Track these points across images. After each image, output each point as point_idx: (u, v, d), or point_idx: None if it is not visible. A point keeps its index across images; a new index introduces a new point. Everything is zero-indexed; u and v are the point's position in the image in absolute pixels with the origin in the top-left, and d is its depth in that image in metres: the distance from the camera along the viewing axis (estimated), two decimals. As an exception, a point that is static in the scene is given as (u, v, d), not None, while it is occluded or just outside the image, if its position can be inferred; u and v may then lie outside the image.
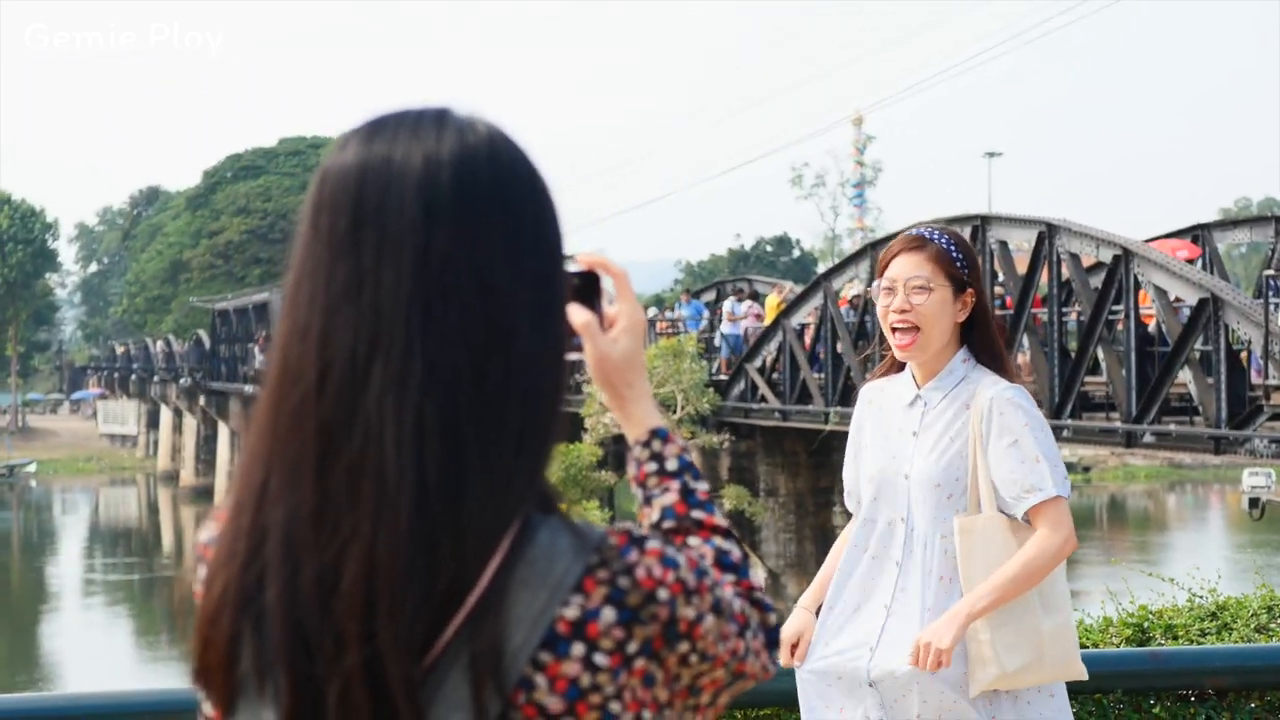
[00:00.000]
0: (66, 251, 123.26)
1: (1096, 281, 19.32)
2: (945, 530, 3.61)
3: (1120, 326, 18.82)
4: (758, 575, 1.65)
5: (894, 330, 3.65)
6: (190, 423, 65.21)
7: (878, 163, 76.57)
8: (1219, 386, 17.00)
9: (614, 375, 1.68)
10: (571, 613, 1.36)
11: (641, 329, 1.70)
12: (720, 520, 1.64)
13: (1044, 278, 20.36)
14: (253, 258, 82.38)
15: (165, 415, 70.74)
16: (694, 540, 1.56)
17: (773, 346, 27.02)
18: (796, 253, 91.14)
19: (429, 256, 1.40)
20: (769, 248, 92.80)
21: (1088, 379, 19.97)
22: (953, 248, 3.65)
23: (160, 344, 74.00)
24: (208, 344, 64.12)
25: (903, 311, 3.61)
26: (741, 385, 27.55)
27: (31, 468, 73.17)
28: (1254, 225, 22.18)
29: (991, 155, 74.21)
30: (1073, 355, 19.88)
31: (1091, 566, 37.82)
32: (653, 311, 37.09)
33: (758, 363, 27.34)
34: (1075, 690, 4.22)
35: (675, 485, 1.64)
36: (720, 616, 1.45)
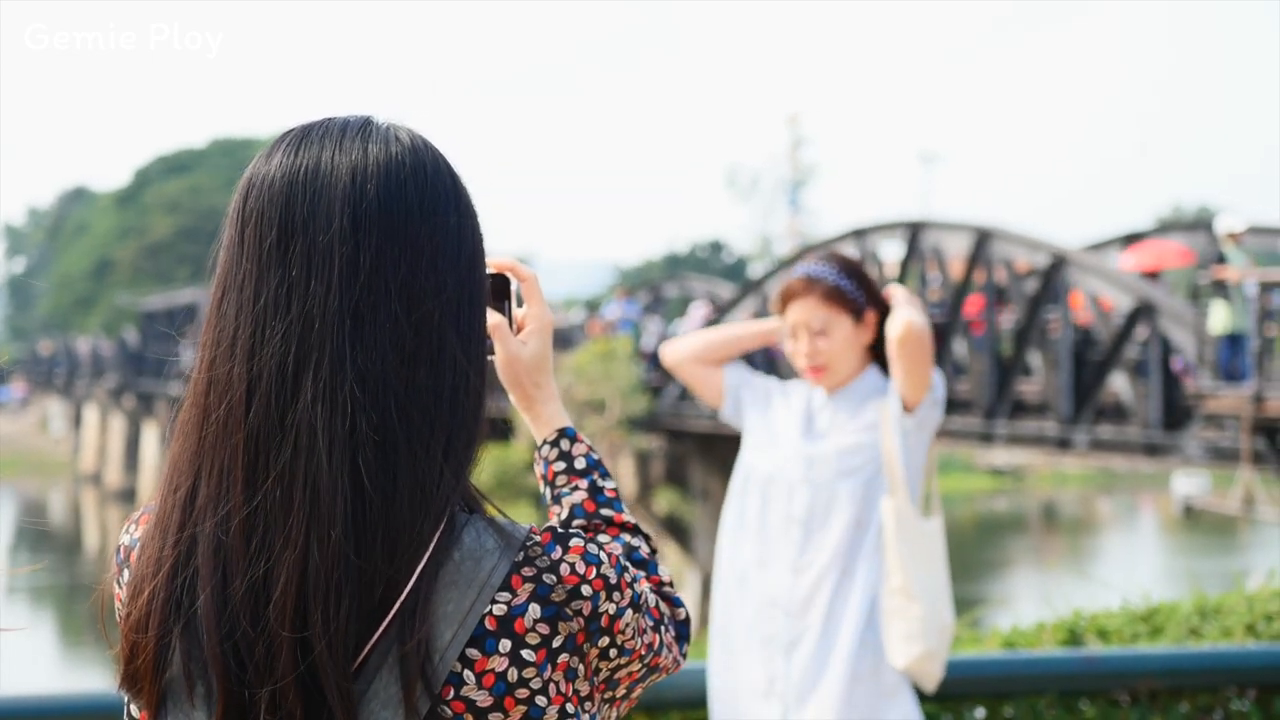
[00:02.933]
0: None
1: (1034, 287, 19.42)
2: (853, 509, 3.71)
3: (1055, 331, 18.93)
4: (665, 570, 1.67)
5: (805, 370, 3.81)
6: (116, 423, 64.57)
7: (814, 165, 76.73)
8: (1153, 391, 17.10)
9: (524, 376, 1.74)
10: (499, 610, 1.40)
11: (550, 331, 1.75)
12: (628, 517, 1.69)
13: (979, 282, 20.47)
14: (181, 256, 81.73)
15: (90, 415, 69.99)
16: (603, 537, 1.56)
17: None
18: (731, 257, 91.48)
19: (358, 267, 1.43)
20: (703, 252, 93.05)
21: (1022, 383, 20.07)
22: (843, 280, 3.77)
23: (86, 343, 73.19)
24: (134, 344, 63.52)
25: (810, 355, 3.77)
26: (675, 389, 27.52)
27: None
28: (1188, 232, 22.35)
29: (928, 159, 74.69)
30: (1007, 360, 19.98)
31: (1024, 570, 38.10)
32: (585, 314, 37.04)
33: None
34: (1007, 692, 4.18)
35: (584, 483, 1.70)
36: (638, 611, 1.49)
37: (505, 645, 1.40)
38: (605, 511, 1.68)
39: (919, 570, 3.66)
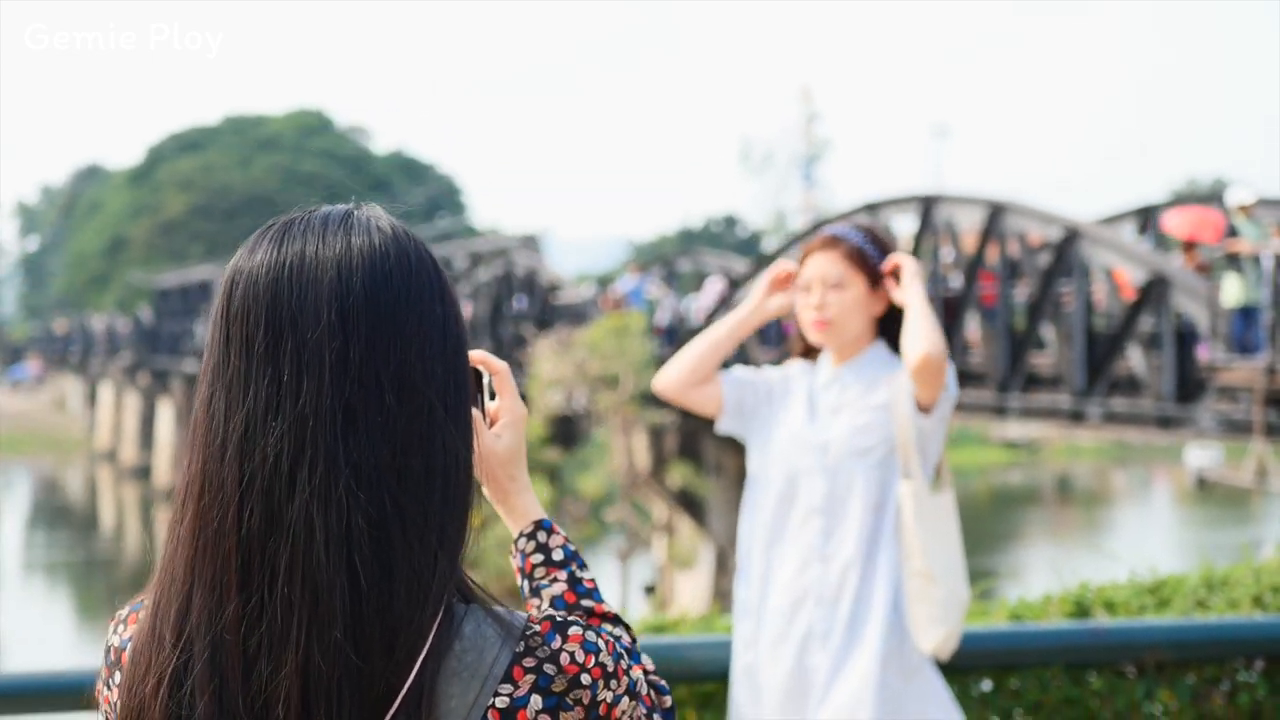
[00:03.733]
0: (6, 228, 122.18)
1: (1047, 261, 19.38)
2: (870, 493, 3.73)
3: (1068, 305, 18.89)
4: (648, 660, 1.65)
5: (811, 323, 3.79)
6: (131, 401, 64.68)
7: (827, 139, 76.54)
8: (1166, 364, 17.07)
9: (498, 469, 1.72)
10: (501, 702, 1.41)
11: (523, 424, 1.74)
12: (608, 608, 1.69)
13: (993, 256, 20.43)
14: (194, 234, 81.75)
15: (105, 393, 70.13)
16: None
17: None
18: (745, 232, 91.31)
19: (348, 362, 1.43)
20: (717, 227, 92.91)
21: (1035, 357, 20.05)
22: (868, 245, 3.78)
23: (101, 321, 73.29)
24: (149, 321, 63.59)
25: (819, 308, 3.76)
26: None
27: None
28: (1203, 205, 22.27)
29: (941, 133, 74.40)
30: (1020, 333, 19.95)
31: (1038, 543, 38.09)
32: (597, 289, 37.02)
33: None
34: (1014, 664, 4.20)
35: (563, 575, 1.69)
36: (634, 699, 1.50)
37: None
38: (585, 603, 1.67)
39: (938, 551, 3.68)
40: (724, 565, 26.20)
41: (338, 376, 1.42)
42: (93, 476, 64.95)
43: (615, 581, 26.93)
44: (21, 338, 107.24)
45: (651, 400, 26.68)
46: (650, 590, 28.45)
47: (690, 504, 26.77)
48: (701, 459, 27.50)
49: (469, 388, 1.53)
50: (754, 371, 3.99)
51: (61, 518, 52.51)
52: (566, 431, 30.74)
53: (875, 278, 3.77)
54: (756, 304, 3.92)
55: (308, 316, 1.44)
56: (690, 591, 26.40)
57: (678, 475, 26.28)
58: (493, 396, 1.74)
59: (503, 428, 1.72)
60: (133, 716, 1.45)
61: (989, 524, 42.85)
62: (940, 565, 3.67)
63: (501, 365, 1.73)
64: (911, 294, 3.71)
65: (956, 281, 21.07)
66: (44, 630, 31.59)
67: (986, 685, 4.22)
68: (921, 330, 3.63)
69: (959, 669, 4.12)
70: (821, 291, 3.76)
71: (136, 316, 66.68)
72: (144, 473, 60.33)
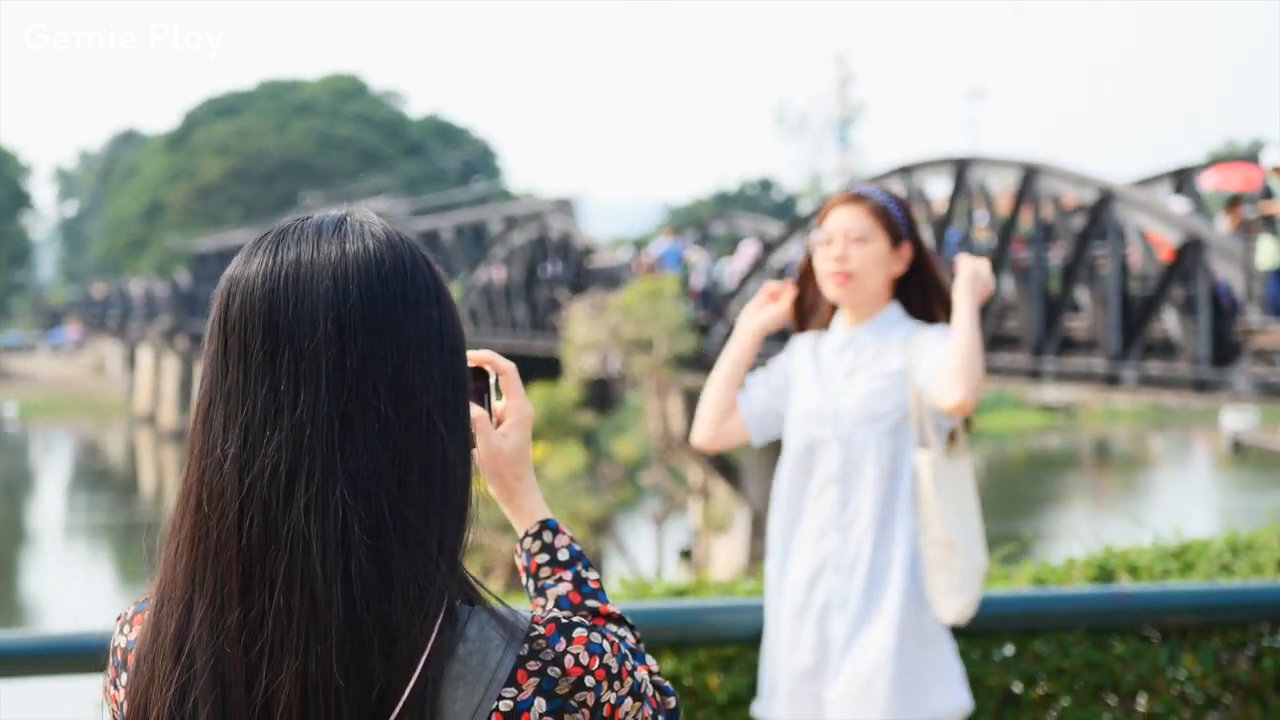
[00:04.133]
0: (44, 193, 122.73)
1: (1081, 223, 19.28)
2: (884, 461, 3.73)
3: (1103, 268, 18.80)
4: (653, 660, 1.66)
5: (831, 275, 3.77)
6: (170, 364, 65.02)
7: (862, 102, 76.18)
8: (1201, 327, 16.99)
9: (505, 469, 1.73)
10: (505, 705, 1.41)
11: (529, 424, 1.75)
12: (613, 608, 1.69)
13: (1027, 219, 20.34)
14: (231, 198, 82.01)
15: (144, 357, 70.51)
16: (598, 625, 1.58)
17: (754, 287, 26.95)
18: (780, 195, 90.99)
19: (344, 370, 1.43)
20: (752, 190, 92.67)
21: (1070, 320, 19.97)
22: (892, 204, 3.79)
23: (139, 285, 73.66)
24: (187, 285, 63.89)
25: (840, 260, 3.74)
26: (724, 327, 27.50)
27: (11, 410, 72.95)
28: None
29: (976, 96, 73.94)
30: (1055, 297, 19.86)
31: (1075, 507, 37.97)
32: (633, 252, 36.99)
33: (739, 304, 27.28)
34: (1037, 629, 4.21)
35: (568, 575, 1.69)
36: (638, 700, 1.50)
37: None
38: (590, 603, 1.68)
39: (956, 519, 3.69)
40: (759, 529, 26.23)
41: (334, 385, 1.43)
42: (132, 440, 65.41)
43: (650, 546, 27.01)
44: (60, 302, 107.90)
45: (686, 363, 26.71)
46: (685, 554, 28.51)
47: (725, 468, 26.80)
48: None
49: (467, 391, 1.53)
50: (762, 372, 3.98)
51: (102, 481, 52.91)
52: (601, 395, 30.79)
53: (897, 236, 3.77)
54: (750, 324, 3.91)
55: (304, 326, 1.44)
56: (725, 556, 26.45)
57: (712, 439, 26.22)
58: (499, 396, 1.74)
59: (509, 427, 1.73)
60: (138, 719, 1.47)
61: (1025, 488, 42.76)
62: (960, 533, 3.68)
63: (508, 365, 1.73)
64: (961, 312, 3.65)
65: (990, 244, 20.98)
66: (85, 592, 31.87)
67: (1009, 650, 4.23)
68: (962, 371, 3.56)
69: (981, 633, 4.13)
70: (844, 244, 3.74)
71: (174, 280, 67.04)
72: (183, 436, 60.38)
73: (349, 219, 1.52)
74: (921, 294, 3.83)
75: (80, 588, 32.56)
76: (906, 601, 3.69)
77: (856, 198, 3.79)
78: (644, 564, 24.84)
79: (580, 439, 26.92)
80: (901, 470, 3.75)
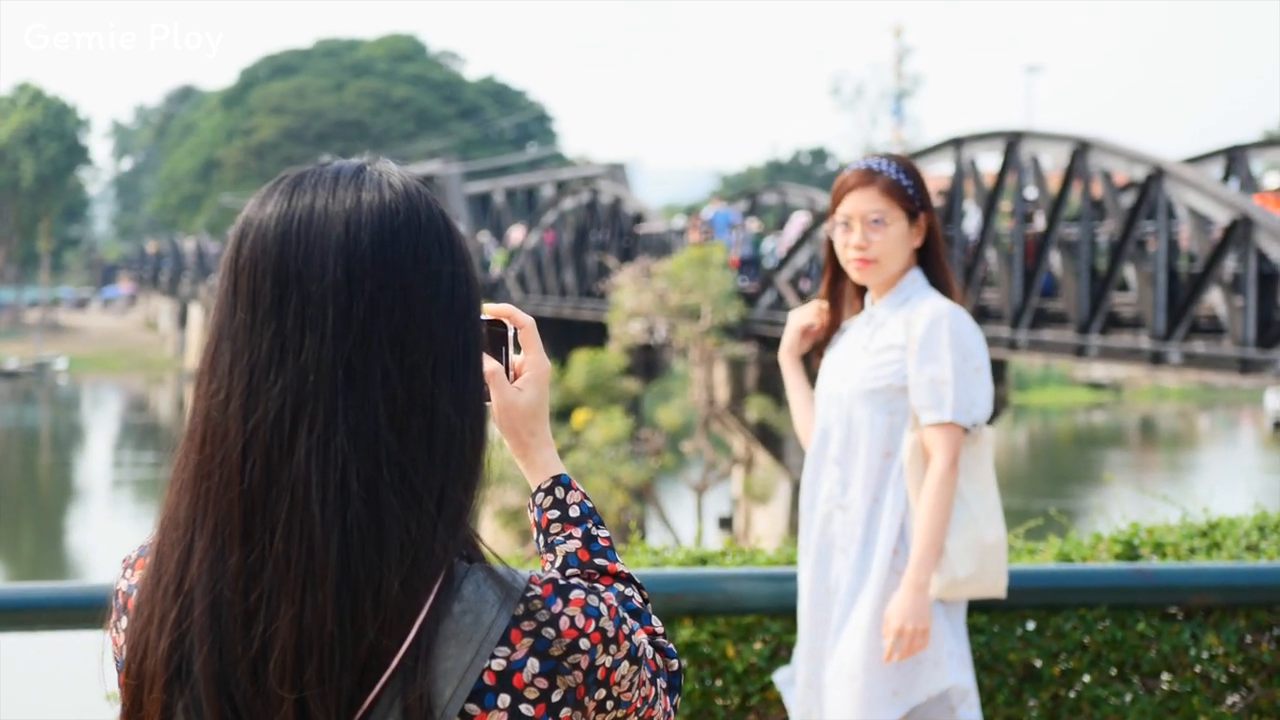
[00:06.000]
0: (101, 148, 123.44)
1: (1131, 200, 19.14)
2: (879, 440, 3.74)
3: (1152, 245, 18.67)
4: (658, 621, 1.67)
5: (853, 262, 3.76)
6: (221, 322, 65.28)
7: (918, 75, 75.71)
8: (1248, 307, 16.85)
9: (519, 424, 1.70)
10: (498, 664, 1.42)
11: (546, 379, 1.74)
12: (622, 567, 1.68)
13: (1077, 194, 20.20)
14: (286, 157, 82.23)
15: (195, 313, 70.93)
16: (600, 586, 1.56)
17: (803, 258, 26.87)
18: (834, 165, 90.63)
19: (350, 318, 1.43)
20: (805, 159, 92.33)
21: (1117, 298, 19.83)
22: (903, 177, 3.75)
23: (192, 242, 74.07)
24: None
25: (861, 248, 3.73)
26: (771, 296, 27.44)
27: (62, 364, 73.55)
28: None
29: (1032, 69, 73.29)
30: (1102, 274, 19.73)
31: (1117, 485, 37.76)
32: (686, 220, 36.92)
33: (788, 274, 27.22)
34: (1060, 605, 4.21)
35: (578, 532, 1.67)
36: (635, 663, 1.50)
37: (504, 700, 1.42)
38: (599, 561, 1.66)
39: (970, 493, 3.70)
40: (798, 499, 26.17)
41: (339, 333, 1.43)
42: (181, 396, 65.82)
43: (690, 513, 27.04)
44: (114, 258, 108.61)
45: (731, 332, 26.68)
46: (726, 523, 28.54)
47: (768, 438, 26.76)
48: (781, 393, 27.45)
49: (478, 350, 1.52)
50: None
51: (149, 436, 53.30)
52: (647, 362, 30.81)
53: (913, 211, 3.74)
54: (783, 356, 3.96)
55: (314, 270, 1.44)
56: (766, 526, 26.46)
57: (756, 409, 26.26)
58: (518, 350, 1.73)
59: (525, 382, 1.71)
60: (136, 662, 1.48)
61: (1068, 465, 42.57)
62: (977, 507, 3.68)
63: (527, 319, 1.71)
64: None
65: (1040, 220, 20.85)
66: (132, 546, 32.18)
67: (1031, 625, 4.23)
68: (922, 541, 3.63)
69: (1003, 608, 4.13)
70: (862, 230, 3.72)
71: (227, 239, 67.33)
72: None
73: (368, 168, 1.52)
74: (933, 262, 3.82)
75: (128, 541, 32.85)
76: (891, 579, 3.68)
77: (869, 176, 3.74)
78: (684, 532, 24.89)
79: (624, 406, 26.95)
80: (896, 449, 3.74)
